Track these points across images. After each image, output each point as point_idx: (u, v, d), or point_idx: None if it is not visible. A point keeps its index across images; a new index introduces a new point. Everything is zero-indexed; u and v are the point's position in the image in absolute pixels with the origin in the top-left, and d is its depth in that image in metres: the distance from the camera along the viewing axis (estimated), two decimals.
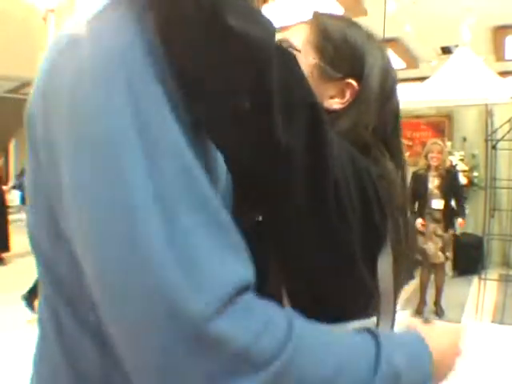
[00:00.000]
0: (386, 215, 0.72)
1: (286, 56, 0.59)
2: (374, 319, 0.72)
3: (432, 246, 4.96)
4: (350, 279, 0.66)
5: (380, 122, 0.79)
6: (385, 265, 0.73)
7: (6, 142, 12.79)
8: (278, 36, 0.68)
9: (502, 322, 4.70)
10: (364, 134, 0.76)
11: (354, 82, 0.78)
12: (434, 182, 4.98)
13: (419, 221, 4.92)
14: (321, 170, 0.59)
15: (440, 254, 4.97)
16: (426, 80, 7.88)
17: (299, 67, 0.60)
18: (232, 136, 0.55)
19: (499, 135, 5.32)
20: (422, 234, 5.00)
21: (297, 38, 0.81)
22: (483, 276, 5.19)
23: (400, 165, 0.82)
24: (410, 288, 6.01)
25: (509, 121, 5.25)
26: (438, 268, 5.14)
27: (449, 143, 6.97)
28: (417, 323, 0.76)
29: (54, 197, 0.57)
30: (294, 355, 0.51)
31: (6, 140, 12.67)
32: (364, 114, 0.78)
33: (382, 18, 6.48)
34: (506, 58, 9.78)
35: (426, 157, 5.04)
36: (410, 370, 0.62)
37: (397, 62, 10.62)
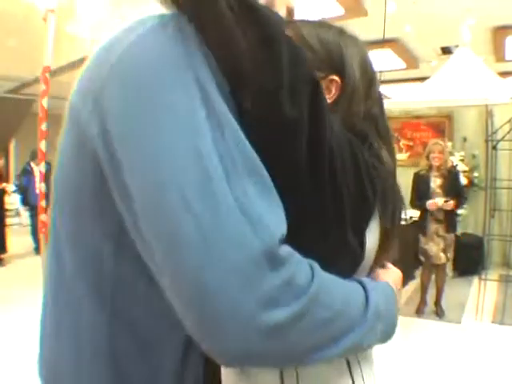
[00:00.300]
0: (376, 191, 0.80)
1: (291, 40, 0.70)
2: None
3: (434, 247, 4.95)
4: (338, 243, 0.74)
5: (367, 108, 0.89)
6: (372, 236, 0.83)
7: (6, 143, 12.78)
8: None
9: (502, 323, 4.71)
10: (357, 121, 0.86)
11: (336, 78, 0.87)
12: (436, 182, 4.97)
13: (430, 202, 4.88)
14: (318, 138, 0.69)
15: (442, 254, 4.96)
16: (427, 80, 7.89)
17: (302, 49, 0.72)
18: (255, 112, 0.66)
19: (499, 135, 5.32)
20: (424, 234, 5.01)
21: None
22: (483, 276, 5.19)
23: (390, 147, 0.92)
24: (411, 288, 6.01)
25: (509, 121, 5.25)
26: (439, 269, 5.12)
27: (449, 143, 6.96)
28: (378, 272, 0.89)
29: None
30: (318, 288, 0.62)
31: (7, 140, 12.67)
32: (352, 103, 0.87)
33: (382, 18, 6.48)
34: (507, 58, 9.78)
35: (427, 157, 5.03)
36: (387, 310, 0.77)
37: (397, 62, 10.62)
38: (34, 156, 7.75)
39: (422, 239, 5.03)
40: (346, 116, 0.85)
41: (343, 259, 0.76)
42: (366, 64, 0.91)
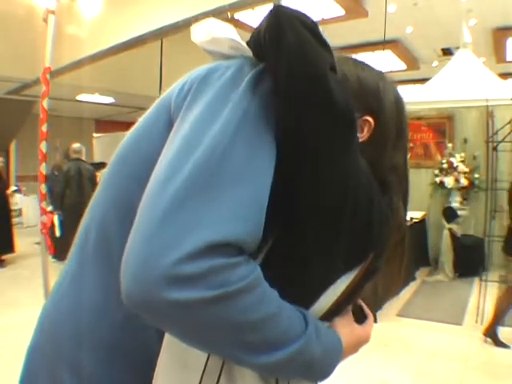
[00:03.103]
0: (379, 244, 0.85)
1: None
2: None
3: None
4: (322, 270, 0.80)
5: (393, 157, 0.92)
6: (343, 282, 0.85)
7: (6, 143, 12.80)
8: None
9: (502, 324, 4.70)
10: (382, 170, 0.89)
11: (370, 119, 0.89)
12: None
13: None
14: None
15: None
16: (428, 81, 7.89)
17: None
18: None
19: (500, 137, 5.32)
20: None
21: None
22: (484, 278, 5.18)
23: (405, 195, 0.98)
24: (411, 289, 6.01)
25: (509, 122, 5.24)
26: None
27: (449, 145, 6.97)
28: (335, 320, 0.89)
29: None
30: (250, 288, 0.67)
31: (7, 141, 12.68)
32: (382, 149, 0.90)
33: (382, 19, 6.48)
34: (507, 59, 9.79)
35: None
36: (323, 359, 0.80)
37: (397, 63, 10.63)
38: (66, 156, 7.76)
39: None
40: (375, 160, 0.86)
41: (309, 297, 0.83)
42: (400, 113, 0.94)
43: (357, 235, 0.80)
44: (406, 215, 0.99)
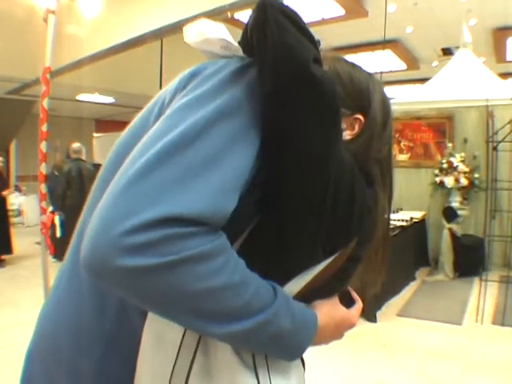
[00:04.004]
0: (361, 229, 0.88)
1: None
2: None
3: None
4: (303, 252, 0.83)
5: (378, 150, 0.96)
6: (312, 271, 0.87)
7: (7, 143, 12.79)
8: None
9: (502, 324, 4.70)
10: (368, 162, 0.93)
11: (361, 117, 0.94)
12: None
13: None
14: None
15: None
16: (428, 81, 7.89)
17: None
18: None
19: (500, 137, 5.32)
20: None
21: None
22: (484, 277, 5.19)
23: (388, 188, 1.00)
24: (412, 288, 6.01)
25: (510, 122, 5.24)
26: None
27: (449, 144, 6.97)
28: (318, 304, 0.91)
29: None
30: (210, 256, 0.69)
31: (7, 141, 12.67)
32: (370, 143, 0.93)
33: (382, 19, 6.48)
34: (507, 59, 9.79)
35: None
36: (294, 333, 0.80)
37: (398, 63, 10.63)
38: (67, 156, 7.77)
39: None
40: (362, 154, 0.91)
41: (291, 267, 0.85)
42: (385, 108, 0.98)
43: (337, 222, 0.82)
44: (390, 208, 1.02)
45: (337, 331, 0.93)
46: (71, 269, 0.96)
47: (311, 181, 0.78)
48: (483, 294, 4.94)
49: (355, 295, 1.02)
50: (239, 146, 0.75)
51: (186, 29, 0.90)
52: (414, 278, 6.46)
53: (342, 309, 0.93)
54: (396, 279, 5.69)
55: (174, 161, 0.70)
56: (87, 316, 0.91)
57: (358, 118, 0.94)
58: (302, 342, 0.83)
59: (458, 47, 8.00)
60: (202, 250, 0.68)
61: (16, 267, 7.36)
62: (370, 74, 1.00)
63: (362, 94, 0.95)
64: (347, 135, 0.94)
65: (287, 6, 0.80)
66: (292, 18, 0.78)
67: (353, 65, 1.00)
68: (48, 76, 3.04)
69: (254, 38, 0.80)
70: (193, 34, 0.90)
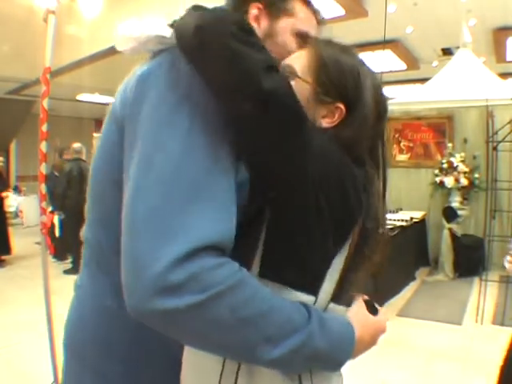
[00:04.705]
0: (362, 207, 0.89)
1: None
2: (312, 298, 0.88)
3: None
4: (316, 247, 0.85)
5: (370, 138, 0.96)
6: (338, 261, 0.89)
7: (7, 143, 12.80)
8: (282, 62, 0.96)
9: (502, 324, 4.70)
10: (359, 148, 0.93)
11: (341, 106, 0.92)
12: None
13: None
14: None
15: None
16: (428, 81, 7.88)
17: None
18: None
19: (500, 137, 5.32)
20: None
21: (297, 63, 0.95)
22: (484, 277, 5.18)
23: (383, 175, 1.01)
24: (412, 288, 6.01)
25: (510, 122, 5.24)
26: None
27: (449, 144, 6.96)
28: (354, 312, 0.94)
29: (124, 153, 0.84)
30: (236, 285, 0.70)
31: (7, 141, 12.68)
32: (360, 131, 0.93)
33: (382, 19, 6.47)
34: (507, 59, 9.78)
35: None
36: (331, 350, 0.81)
37: (397, 63, 10.62)
38: (60, 155, 7.80)
39: None
40: (351, 142, 0.91)
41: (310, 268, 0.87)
42: (379, 98, 0.97)
43: (335, 207, 0.84)
44: (385, 193, 1.03)
45: (372, 339, 0.95)
46: (85, 279, 1.04)
47: (298, 188, 0.80)
48: (483, 294, 4.94)
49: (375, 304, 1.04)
50: (221, 158, 0.77)
51: (117, 37, 0.92)
52: (413, 278, 6.45)
53: (372, 318, 0.96)
54: (396, 279, 5.69)
55: (173, 196, 0.71)
56: (102, 320, 0.96)
57: (339, 107, 0.92)
58: (341, 358, 0.85)
59: (457, 47, 8.00)
60: (234, 281, 0.71)
61: (16, 267, 7.35)
62: (360, 60, 0.98)
63: (349, 84, 0.93)
64: (326, 122, 0.93)
65: (228, 16, 0.82)
66: (232, 33, 0.77)
67: (343, 49, 0.98)
68: (48, 76, 3.03)
69: (192, 47, 0.80)
70: (126, 43, 0.91)
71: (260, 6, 1.07)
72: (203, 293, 0.67)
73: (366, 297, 1.01)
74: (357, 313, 0.94)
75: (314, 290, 0.88)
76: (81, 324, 1.00)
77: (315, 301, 0.88)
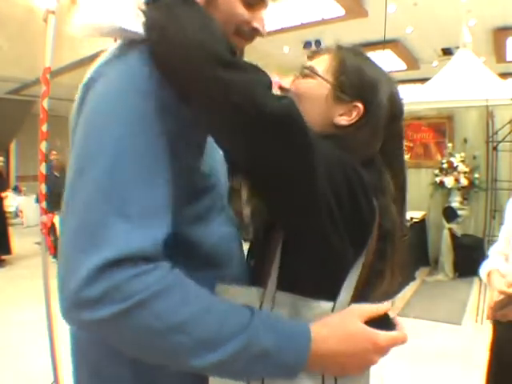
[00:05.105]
0: (374, 211, 0.90)
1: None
2: (330, 304, 0.88)
3: None
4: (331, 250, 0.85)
5: (386, 140, 0.99)
6: (356, 267, 0.90)
7: (7, 143, 12.80)
8: (305, 63, 1.03)
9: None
10: (371, 148, 0.98)
11: (360, 105, 0.96)
12: None
13: None
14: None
15: None
16: (428, 81, 7.88)
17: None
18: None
19: (500, 137, 5.32)
20: None
21: (320, 65, 1.01)
22: None
23: (400, 180, 1.02)
24: (411, 288, 6.01)
25: (510, 122, 5.25)
26: None
27: (449, 144, 6.96)
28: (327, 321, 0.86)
29: None
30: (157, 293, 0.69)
31: (7, 141, 12.68)
32: (373, 132, 0.97)
33: (382, 19, 6.47)
34: (507, 59, 9.79)
35: None
36: (281, 348, 0.77)
37: (397, 63, 10.63)
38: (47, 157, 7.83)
39: None
40: (364, 141, 0.97)
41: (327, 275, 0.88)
42: (394, 101, 1.01)
43: (348, 216, 0.85)
44: (405, 194, 1.05)
45: (353, 349, 0.83)
46: None
47: (309, 195, 0.81)
48: (483, 294, 4.93)
49: (397, 320, 0.99)
50: (152, 166, 0.75)
51: (74, 22, 0.89)
52: (413, 278, 6.45)
53: (359, 325, 0.85)
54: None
55: (96, 208, 0.71)
56: None
57: (357, 106, 0.96)
58: (295, 355, 0.78)
59: (457, 47, 8.00)
60: (157, 288, 0.70)
61: (16, 267, 7.36)
62: (383, 71, 1.02)
63: (367, 85, 0.97)
64: (344, 120, 0.97)
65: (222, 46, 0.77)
66: (225, 59, 0.75)
67: (367, 59, 1.03)
68: (48, 76, 3.03)
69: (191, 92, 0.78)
70: (85, 30, 0.88)
71: None
72: (125, 301, 0.67)
73: (383, 307, 0.92)
74: (332, 315, 0.86)
75: (331, 297, 0.88)
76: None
77: (333, 307, 0.88)
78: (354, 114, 0.96)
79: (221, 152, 0.97)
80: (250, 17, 0.91)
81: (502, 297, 1.91)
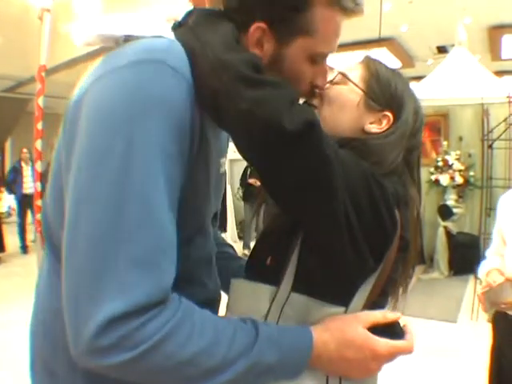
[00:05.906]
0: (396, 222, 0.90)
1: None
2: (342, 309, 0.89)
3: None
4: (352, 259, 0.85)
5: (406, 152, 0.99)
6: (371, 280, 0.90)
7: (2, 141, 12.74)
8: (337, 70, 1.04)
9: None
10: (396, 160, 0.97)
11: (390, 114, 0.99)
12: None
13: None
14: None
15: None
16: (423, 79, 7.89)
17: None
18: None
19: (495, 134, 5.33)
20: None
21: (353, 73, 1.03)
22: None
23: (418, 187, 1.04)
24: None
25: (505, 120, 5.26)
26: None
27: (445, 142, 6.97)
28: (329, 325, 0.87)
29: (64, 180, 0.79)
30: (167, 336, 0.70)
31: (2, 139, 12.62)
32: (398, 141, 0.98)
33: (377, 17, 6.47)
34: (502, 57, 9.80)
35: None
36: (284, 360, 0.79)
37: (393, 61, 10.63)
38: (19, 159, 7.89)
39: None
40: (389, 151, 0.96)
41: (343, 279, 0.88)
42: (417, 115, 1.03)
43: (369, 225, 0.85)
44: (419, 204, 1.04)
45: (352, 354, 0.84)
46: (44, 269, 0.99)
47: (329, 209, 0.80)
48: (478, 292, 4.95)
49: (406, 328, 0.98)
50: (157, 204, 0.72)
51: (76, 33, 0.87)
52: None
53: (359, 331, 0.85)
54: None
55: (96, 259, 0.69)
56: (45, 317, 0.92)
57: (387, 115, 0.99)
58: (297, 364, 0.83)
59: (453, 45, 8.01)
60: (165, 332, 0.71)
61: (10, 265, 7.34)
62: (408, 85, 1.05)
63: (397, 97, 1.00)
64: (374, 128, 0.99)
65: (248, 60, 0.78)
66: (249, 77, 0.76)
67: (397, 73, 1.06)
68: (43, 74, 3.03)
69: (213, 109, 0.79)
70: (89, 40, 0.88)
71: (263, 25, 0.83)
72: (137, 348, 0.69)
73: (391, 315, 0.93)
74: (335, 321, 0.87)
75: (345, 302, 0.89)
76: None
77: (345, 312, 0.89)
78: (384, 122, 0.99)
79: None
80: (312, 73, 0.92)
81: (486, 288, 1.97)
